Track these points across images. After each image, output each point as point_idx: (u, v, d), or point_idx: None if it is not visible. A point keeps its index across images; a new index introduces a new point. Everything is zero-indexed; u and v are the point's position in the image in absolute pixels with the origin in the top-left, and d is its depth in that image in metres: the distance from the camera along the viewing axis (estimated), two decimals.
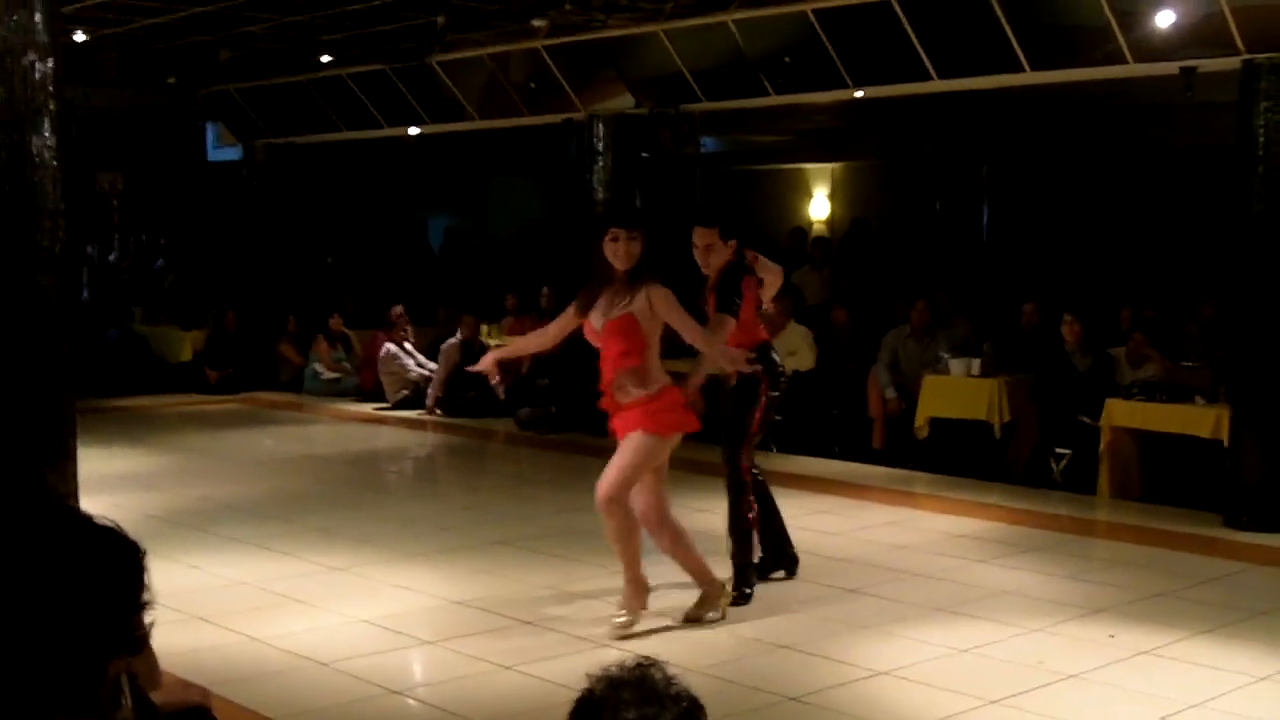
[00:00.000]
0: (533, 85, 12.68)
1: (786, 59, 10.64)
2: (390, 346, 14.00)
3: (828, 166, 17.75)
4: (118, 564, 2.57)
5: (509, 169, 18.88)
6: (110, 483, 9.39)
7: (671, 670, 2.10)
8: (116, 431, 12.22)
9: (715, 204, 7.49)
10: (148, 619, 2.65)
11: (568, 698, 2.08)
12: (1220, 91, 8.76)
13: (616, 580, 7.06)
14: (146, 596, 2.61)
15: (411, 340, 14.14)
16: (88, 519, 2.64)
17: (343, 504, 9.48)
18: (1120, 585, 7.22)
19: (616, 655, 2.15)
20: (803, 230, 16.85)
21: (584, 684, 2.11)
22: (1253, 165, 8.31)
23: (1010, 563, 7.70)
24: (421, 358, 14.07)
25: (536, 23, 11.47)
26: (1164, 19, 8.54)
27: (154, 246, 18.50)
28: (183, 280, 17.24)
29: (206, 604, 6.64)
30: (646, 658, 2.13)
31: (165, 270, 17.87)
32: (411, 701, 5.56)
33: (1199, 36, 8.47)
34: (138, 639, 2.63)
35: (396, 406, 13.75)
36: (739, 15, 10.58)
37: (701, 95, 11.49)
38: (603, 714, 2.07)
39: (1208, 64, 8.59)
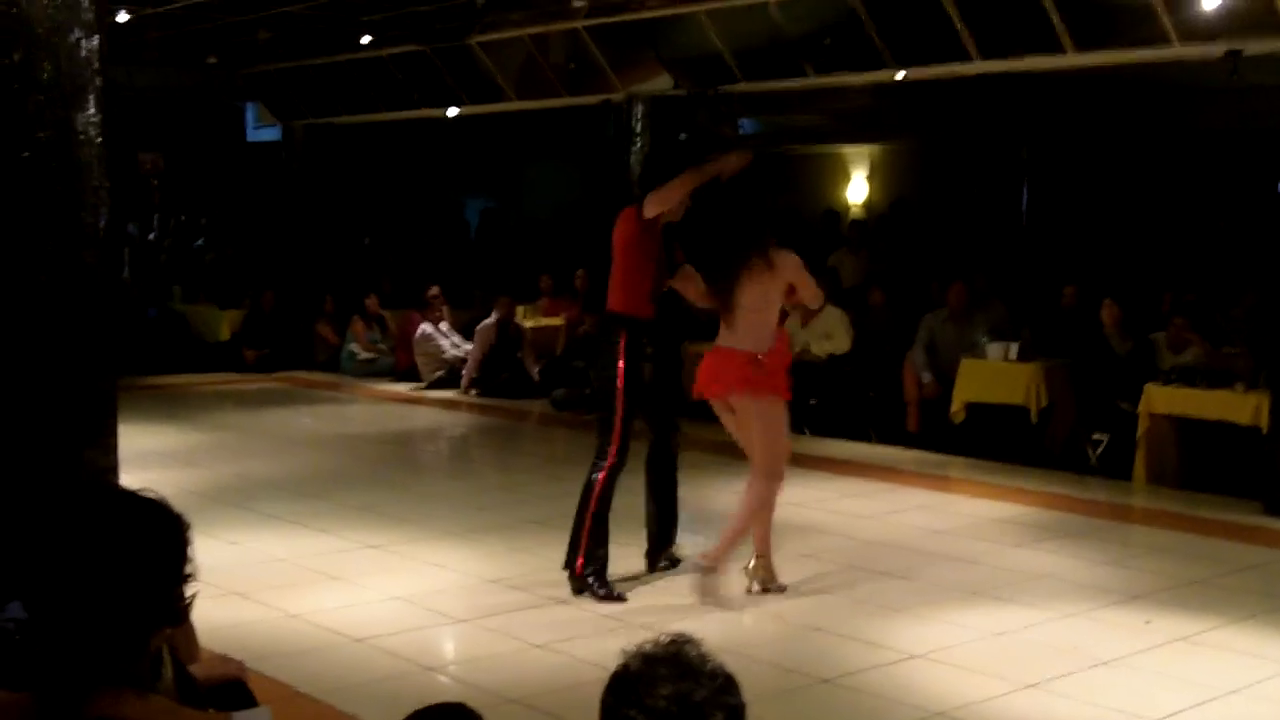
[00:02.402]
0: (572, 66, 12.68)
1: (826, 40, 10.60)
2: (426, 327, 14.04)
3: (866, 148, 17.66)
4: (161, 537, 2.60)
5: (545, 150, 18.89)
6: (149, 459, 9.45)
7: (706, 648, 2.11)
8: (155, 409, 12.30)
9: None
10: (189, 591, 2.68)
11: (601, 676, 2.09)
12: (1265, 74, 8.67)
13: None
14: (189, 569, 2.65)
15: (447, 321, 14.18)
16: (131, 493, 2.67)
17: (379, 482, 9.52)
18: (1157, 571, 7.17)
19: (650, 634, 2.16)
20: (835, 213, 16.79)
21: (619, 661, 2.13)
22: None
23: (1046, 547, 7.67)
24: (458, 338, 14.11)
25: (576, 3, 11.46)
26: (1210, 0, 8.46)
27: (194, 226, 18.62)
28: (221, 259, 17.34)
29: (244, 579, 6.69)
30: (681, 634, 2.15)
31: (204, 249, 17.99)
32: (445, 679, 5.58)
33: (1245, 18, 8.38)
34: (179, 611, 2.66)
35: (431, 387, 13.80)
36: None
37: (740, 76, 11.45)
38: (638, 689, 2.09)
39: (1254, 46, 8.50)
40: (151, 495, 2.65)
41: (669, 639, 2.17)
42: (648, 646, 2.17)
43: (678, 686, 2.08)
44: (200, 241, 18.31)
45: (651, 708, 2.07)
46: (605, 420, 6.68)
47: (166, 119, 17.32)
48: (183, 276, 16.94)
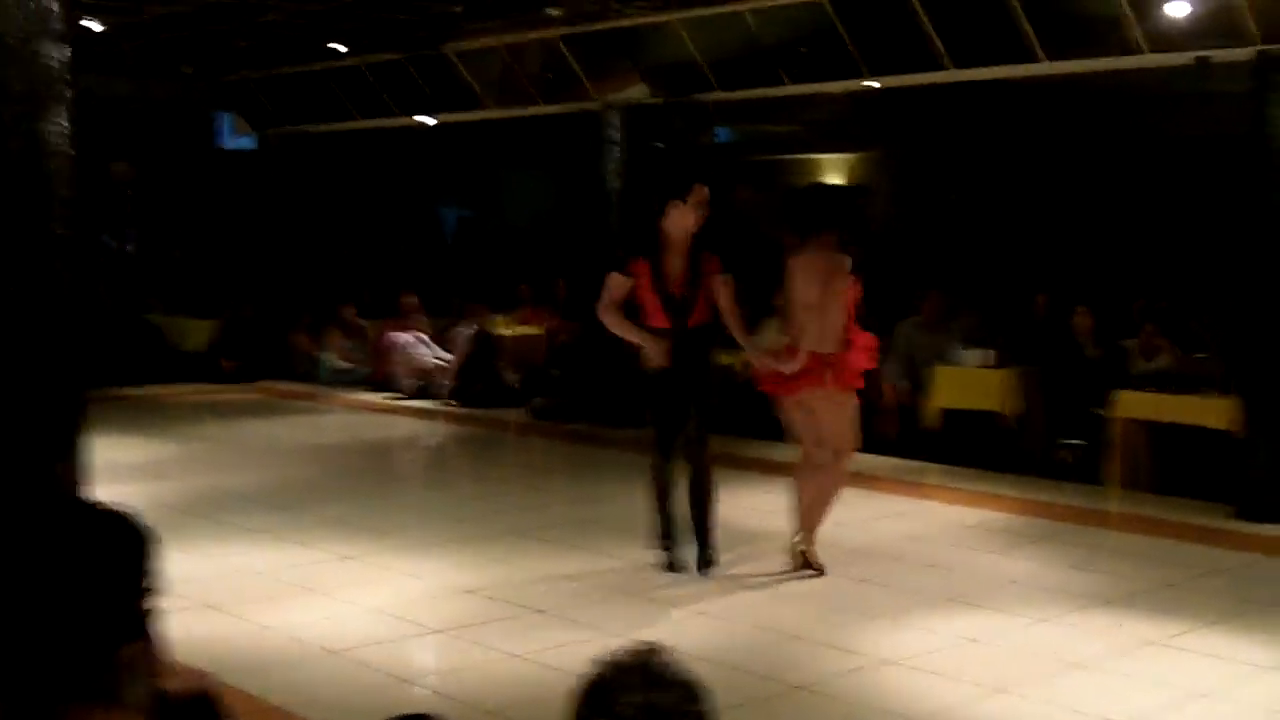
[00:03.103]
0: (548, 75, 12.69)
1: (802, 49, 10.64)
2: (403, 336, 14.03)
3: (843, 157, 17.72)
4: (123, 549, 2.59)
5: (523, 159, 18.88)
6: (124, 472, 9.43)
7: (677, 656, 2.12)
8: (130, 421, 12.26)
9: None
10: (153, 604, 2.67)
11: (576, 686, 2.11)
12: (1233, 82, 8.74)
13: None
14: (151, 581, 2.64)
15: (425, 330, 14.17)
16: (94, 505, 2.67)
17: (356, 493, 9.52)
18: (1130, 575, 7.23)
19: (623, 643, 2.18)
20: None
21: (590, 670, 2.14)
22: (1266, 156, 8.29)
23: (1020, 552, 7.72)
24: (435, 347, 14.09)
25: (552, 11, 11.47)
26: (1178, 8, 8.53)
27: (169, 236, 18.53)
28: (198, 270, 17.27)
29: (219, 592, 6.68)
30: (652, 644, 2.16)
31: (181, 260, 17.91)
32: (421, 690, 5.58)
33: (1213, 26, 8.45)
34: (144, 624, 2.66)
35: (409, 396, 13.78)
36: (754, 4, 10.58)
37: (716, 84, 11.48)
38: (607, 697, 2.11)
39: (1222, 54, 8.58)
40: (117, 507, 2.65)
41: (639, 648, 2.19)
42: (618, 655, 2.18)
43: (646, 695, 2.10)
44: (176, 252, 18.22)
45: (620, 715, 2.09)
46: None
47: (140, 128, 17.26)
48: (159, 287, 16.86)
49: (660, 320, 7.04)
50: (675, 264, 7.06)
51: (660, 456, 7.23)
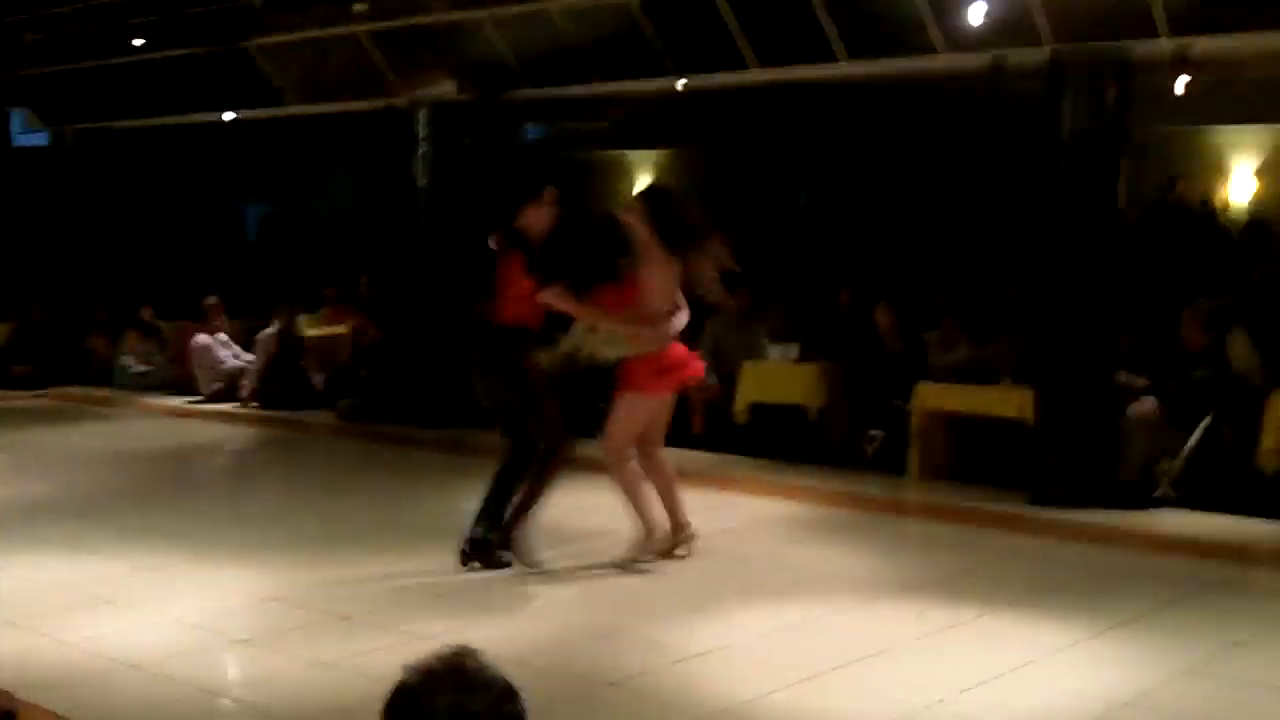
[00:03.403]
0: (353, 71, 12.49)
1: (609, 47, 10.69)
2: (203, 338, 13.66)
3: (650, 154, 17.86)
4: None
5: (328, 156, 18.56)
6: None
7: (486, 659, 2.12)
8: None
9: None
10: None
11: (382, 695, 2.09)
12: (1027, 83, 9.07)
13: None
14: None
15: (226, 331, 13.82)
16: None
17: (156, 501, 9.24)
18: (931, 562, 7.46)
19: (435, 647, 2.16)
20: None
21: (399, 676, 2.13)
22: (1057, 154, 8.63)
23: (826, 543, 7.90)
24: (237, 349, 13.76)
25: (357, 7, 11.31)
26: (975, 10, 8.80)
27: None
28: None
29: (15, 607, 6.42)
30: (461, 647, 2.16)
31: None
32: (229, 702, 5.46)
33: (1008, 28, 8.75)
34: None
35: (210, 399, 13.43)
36: (562, 3, 10.59)
37: (525, 82, 11.47)
38: (416, 702, 2.10)
39: (1017, 55, 8.88)
40: None
41: (449, 651, 2.18)
42: (427, 660, 2.17)
43: (455, 698, 2.10)
44: None
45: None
46: None
47: None
48: None
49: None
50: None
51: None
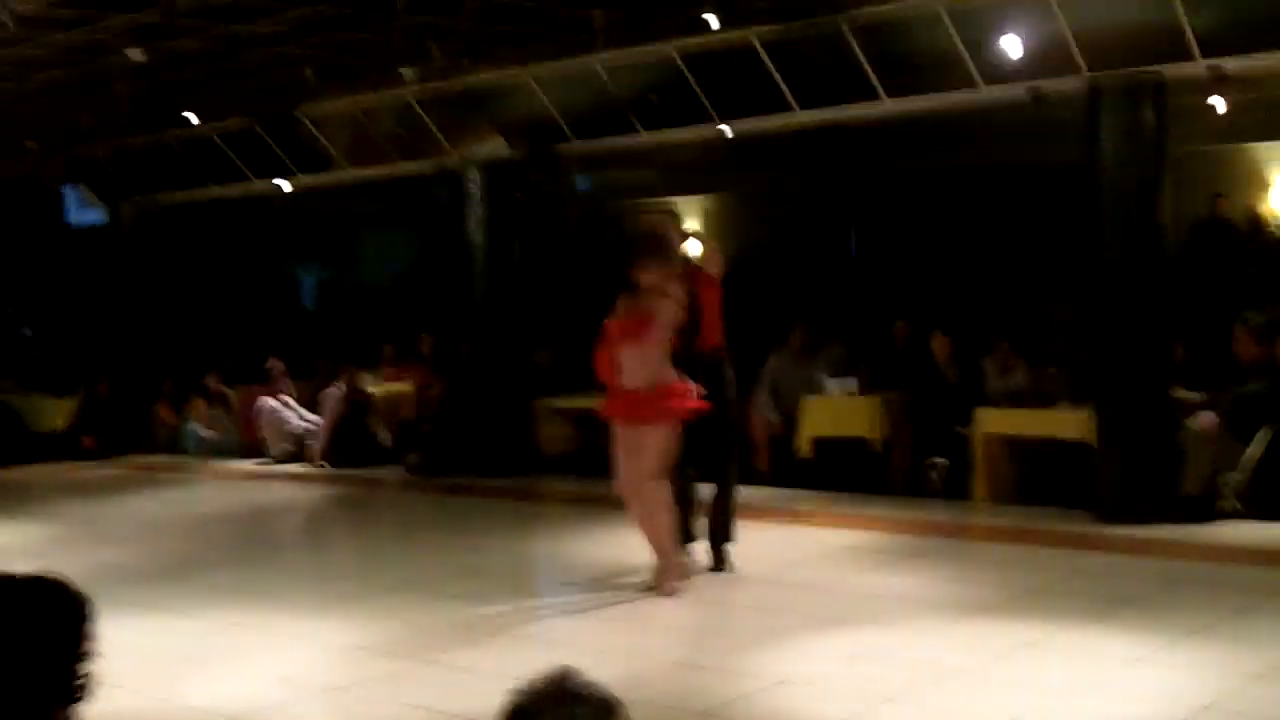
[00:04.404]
0: (402, 133, 12.78)
1: (653, 98, 10.91)
2: (269, 401, 13.92)
3: (698, 200, 18.06)
4: (60, 615, 2.66)
5: (381, 218, 18.89)
6: None
7: (587, 676, 2.25)
8: None
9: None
10: (91, 668, 2.74)
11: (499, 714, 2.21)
12: (1066, 110, 9.21)
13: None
14: (89, 646, 2.70)
15: (291, 394, 14.08)
16: (28, 576, 2.73)
17: (237, 561, 9.42)
18: (1000, 583, 7.53)
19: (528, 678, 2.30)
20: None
21: (506, 701, 2.26)
22: (1098, 178, 8.75)
23: (895, 569, 7.99)
24: (303, 410, 14.01)
25: (405, 72, 11.59)
26: (1011, 43, 8.96)
27: (18, 315, 18.16)
28: (52, 348, 16.95)
29: (114, 668, 6.55)
30: (564, 666, 2.29)
31: (34, 339, 17.55)
32: None
33: (1044, 59, 8.91)
34: (82, 688, 2.71)
35: (280, 461, 13.67)
36: (606, 57, 10.83)
37: (572, 136, 11.70)
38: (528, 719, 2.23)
39: (1053, 85, 9.03)
40: (52, 575, 2.71)
41: (552, 671, 2.31)
42: (534, 680, 2.30)
43: (563, 712, 2.22)
44: (28, 330, 17.86)
45: None
46: None
47: None
48: (12, 367, 16.50)
49: None
50: None
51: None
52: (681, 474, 7.77)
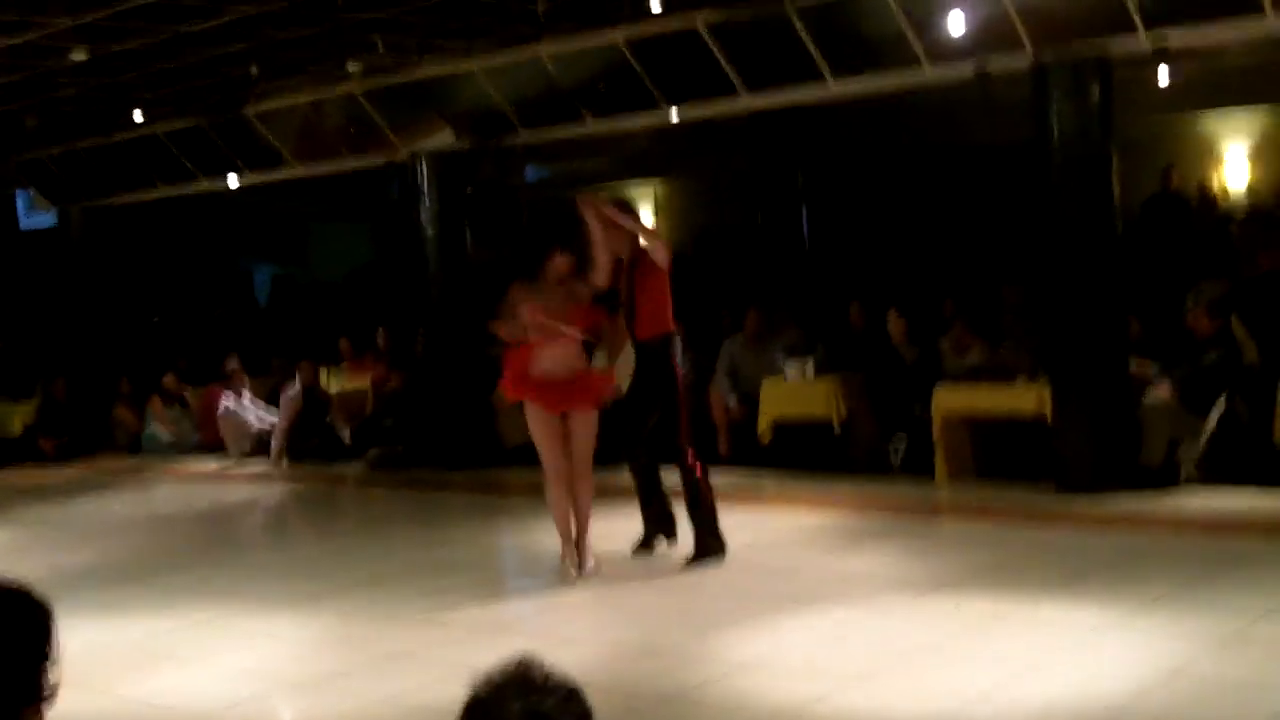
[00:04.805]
0: (351, 129, 12.72)
1: (600, 86, 10.91)
2: (228, 400, 13.85)
3: (650, 187, 18.08)
4: (22, 621, 2.65)
5: (332, 213, 18.81)
6: None
7: (548, 664, 2.26)
8: None
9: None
10: (53, 673, 2.73)
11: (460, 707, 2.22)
12: (1014, 90, 9.27)
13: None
14: (51, 650, 2.69)
15: (248, 392, 14.01)
16: None
17: (199, 560, 9.38)
18: (963, 560, 7.60)
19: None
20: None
21: (467, 692, 2.26)
22: (1048, 157, 8.82)
23: (860, 549, 8.04)
24: (262, 409, 13.94)
25: (350, 67, 11.52)
26: (956, 22, 9.01)
27: None
28: (6, 352, 16.78)
29: (78, 668, 6.44)
30: (523, 655, 2.29)
31: None
32: None
33: (990, 38, 8.96)
34: (47, 691, 2.71)
35: (240, 460, 13.60)
36: (551, 49, 10.80)
37: (520, 127, 11.68)
38: (490, 712, 2.22)
39: (999, 62, 9.08)
40: (13, 583, 2.70)
41: (513, 660, 2.31)
42: (493, 672, 2.30)
43: (526, 702, 2.22)
44: None
45: None
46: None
47: None
48: None
49: None
50: None
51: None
52: (635, 459, 7.89)
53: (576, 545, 7.64)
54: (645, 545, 8.02)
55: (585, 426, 7.60)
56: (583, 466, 7.60)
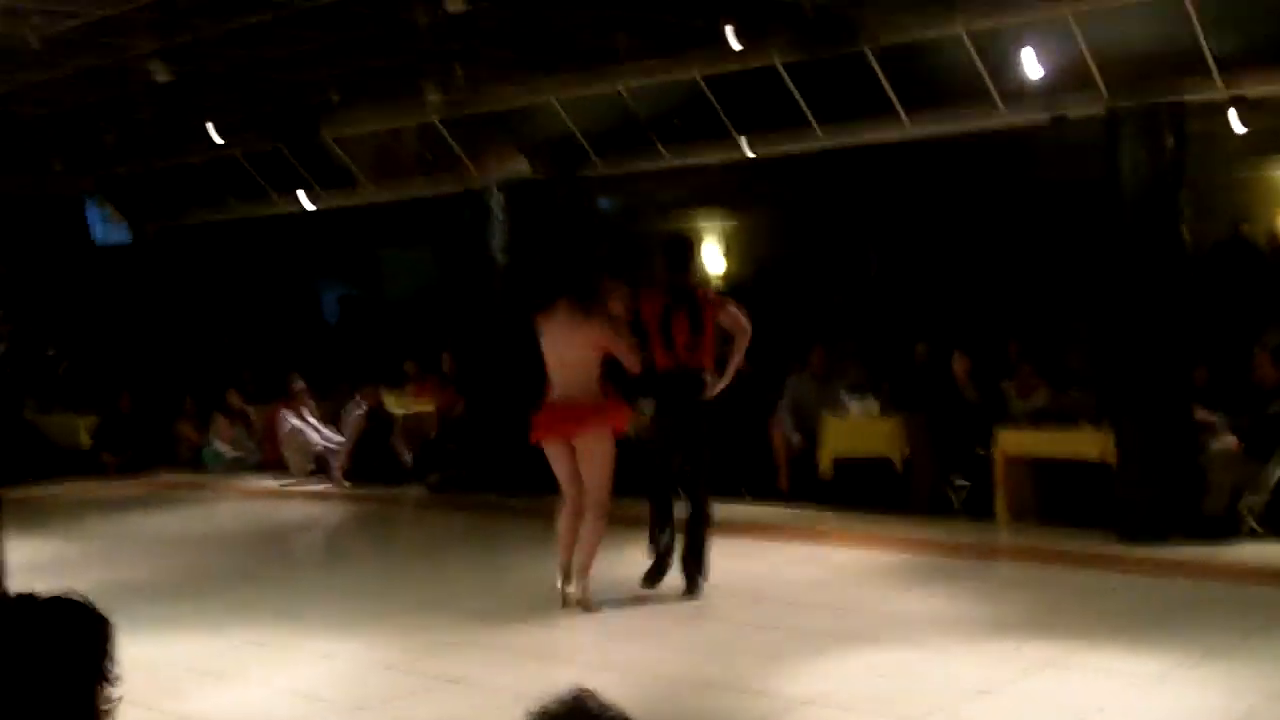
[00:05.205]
0: (428, 156, 12.85)
1: (676, 120, 10.97)
2: (291, 419, 13.98)
3: (720, 221, 18.08)
4: (82, 637, 2.67)
5: (403, 237, 18.96)
6: (16, 572, 9.16)
7: (604, 697, 2.27)
8: (12, 522, 11.88)
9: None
10: (113, 693, 2.74)
11: None
12: (1086, 132, 9.22)
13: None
14: (111, 669, 2.71)
15: (313, 412, 14.14)
16: (50, 596, 2.74)
17: (257, 579, 9.44)
18: (1023, 602, 7.53)
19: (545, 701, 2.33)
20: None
21: None
22: (1119, 199, 8.77)
23: (917, 589, 7.99)
24: (325, 429, 14.07)
25: (429, 94, 11.66)
26: (1033, 70, 8.99)
27: (42, 334, 18.24)
28: (75, 366, 17.04)
29: (131, 686, 6.53)
30: (579, 688, 2.31)
31: (57, 357, 17.64)
32: None
33: (1065, 84, 8.94)
34: (104, 711, 2.72)
35: (302, 480, 13.72)
36: (630, 82, 10.88)
37: (596, 159, 11.75)
38: None
39: (1074, 107, 9.05)
40: (74, 596, 2.72)
41: (569, 692, 2.32)
42: (550, 703, 2.32)
43: None
44: (51, 350, 17.93)
45: None
46: None
47: (9, 226, 17.01)
48: (35, 385, 16.59)
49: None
50: None
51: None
52: (660, 493, 7.99)
53: (576, 576, 7.64)
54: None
55: (594, 454, 7.57)
56: (591, 496, 7.61)
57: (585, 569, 7.62)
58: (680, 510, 7.99)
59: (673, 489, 7.98)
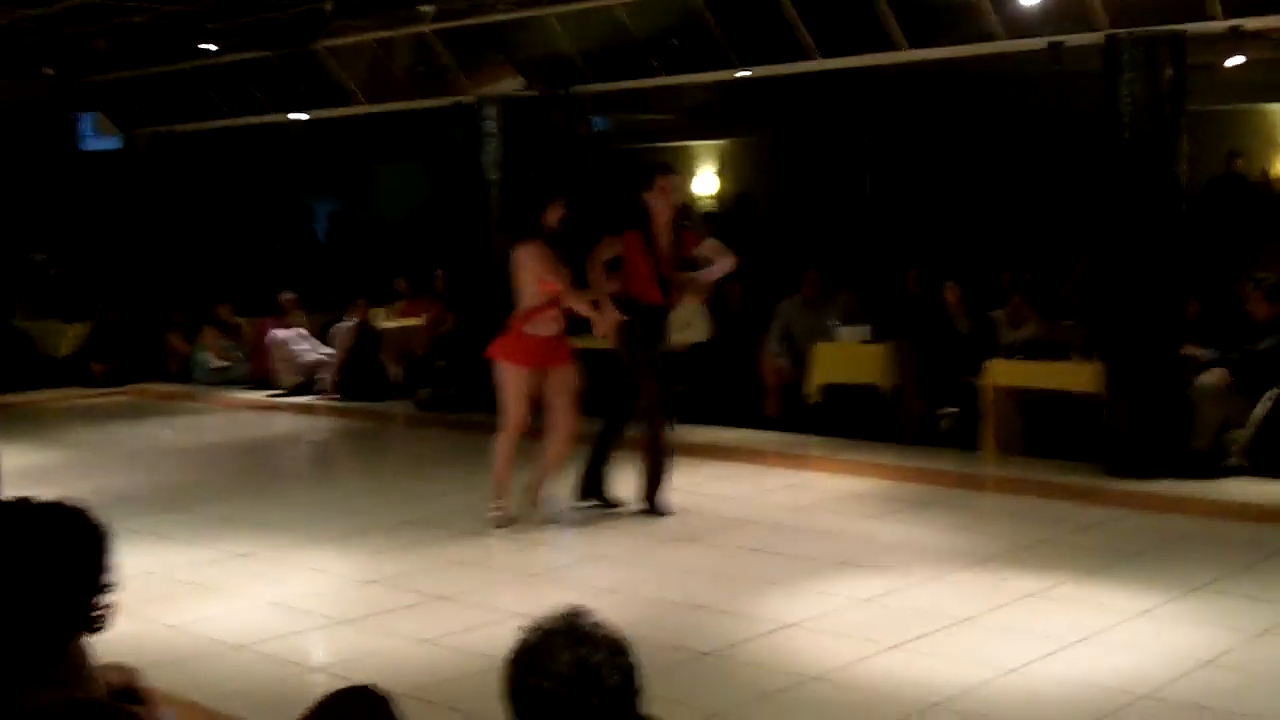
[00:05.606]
0: (420, 69, 12.71)
1: (673, 40, 10.84)
2: (284, 333, 13.95)
3: (714, 144, 17.99)
4: (80, 543, 2.68)
5: (395, 153, 18.83)
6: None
7: (597, 616, 2.28)
8: (2, 428, 12.01)
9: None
10: (109, 599, 2.76)
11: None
12: (1084, 62, 9.13)
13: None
14: (108, 577, 2.73)
15: (305, 326, 14.10)
16: (48, 503, 2.74)
17: (243, 491, 9.49)
18: (1007, 534, 7.58)
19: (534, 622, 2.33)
20: (686, 206, 17.04)
21: (518, 637, 2.29)
22: (1117, 131, 8.70)
23: (903, 517, 8.04)
24: (315, 342, 14.03)
25: (424, 8, 11.50)
26: None
27: (32, 241, 18.14)
28: (64, 274, 16.96)
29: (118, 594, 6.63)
30: (574, 606, 2.32)
31: (46, 264, 17.55)
32: (329, 678, 5.61)
33: (1064, 13, 8.83)
34: (99, 618, 2.74)
35: (290, 393, 13.71)
36: None
37: (590, 76, 11.64)
38: (539, 659, 2.26)
39: (1074, 38, 8.96)
40: (73, 503, 2.73)
41: (564, 611, 2.34)
42: (544, 619, 2.34)
43: (575, 652, 2.27)
44: (37, 256, 17.83)
45: (554, 674, 2.25)
46: None
47: None
48: (24, 291, 16.52)
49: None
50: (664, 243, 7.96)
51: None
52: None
53: (525, 492, 7.92)
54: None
55: (567, 381, 7.92)
56: (565, 420, 7.92)
57: (538, 485, 7.98)
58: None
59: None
